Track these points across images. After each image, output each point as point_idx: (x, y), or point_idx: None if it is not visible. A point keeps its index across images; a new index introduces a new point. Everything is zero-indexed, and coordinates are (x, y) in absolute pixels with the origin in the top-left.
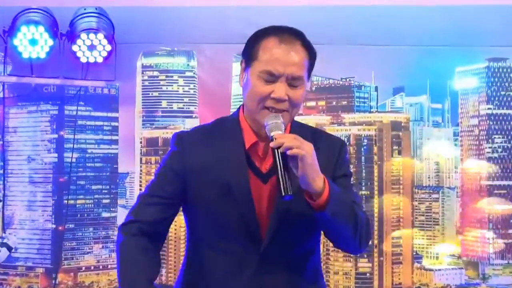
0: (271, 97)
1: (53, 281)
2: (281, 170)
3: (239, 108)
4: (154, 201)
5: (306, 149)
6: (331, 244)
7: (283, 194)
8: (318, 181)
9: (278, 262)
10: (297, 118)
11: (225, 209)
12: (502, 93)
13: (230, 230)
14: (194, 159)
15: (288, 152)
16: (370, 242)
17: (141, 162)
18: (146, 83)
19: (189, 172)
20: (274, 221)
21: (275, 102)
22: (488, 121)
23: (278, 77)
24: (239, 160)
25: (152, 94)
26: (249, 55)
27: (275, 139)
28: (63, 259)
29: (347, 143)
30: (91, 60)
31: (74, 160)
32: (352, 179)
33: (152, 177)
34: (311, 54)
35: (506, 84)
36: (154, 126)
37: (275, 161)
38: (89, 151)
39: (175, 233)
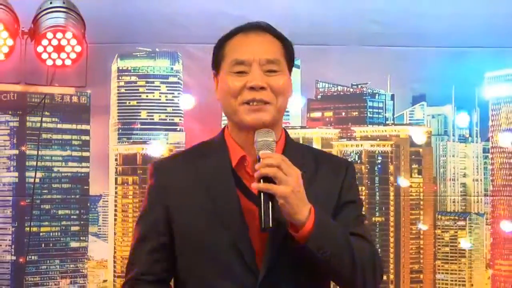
0: (247, 87)
1: None
2: (261, 197)
3: (223, 128)
4: (148, 248)
5: (290, 183)
6: None
7: (261, 226)
8: (303, 211)
9: None
10: (301, 131)
11: (215, 239)
12: None
13: (223, 263)
14: (175, 188)
15: (267, 190)
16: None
17: (116, 183)
18: (123, 90)
19: (171, 204)
20: (270, 250)
21: (254, 93)
22: None
23: (250, 64)
24: (225, 180)
25: (129, 103)
26: (217, 62)
27: (262, 159)
28: None
29: (359, 161)
30: (58, 63)
31: (37, 180)
32: (362, 208)
33: (137, 220)
34: (287, 46)
35: None
36: (131, 140)
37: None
38: (55, 169)
39: None
